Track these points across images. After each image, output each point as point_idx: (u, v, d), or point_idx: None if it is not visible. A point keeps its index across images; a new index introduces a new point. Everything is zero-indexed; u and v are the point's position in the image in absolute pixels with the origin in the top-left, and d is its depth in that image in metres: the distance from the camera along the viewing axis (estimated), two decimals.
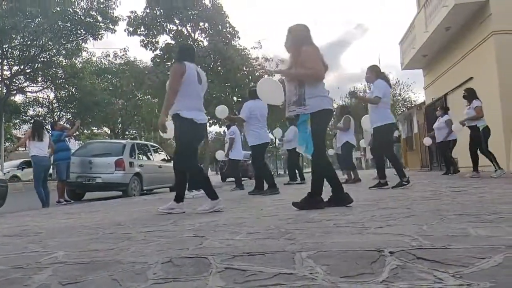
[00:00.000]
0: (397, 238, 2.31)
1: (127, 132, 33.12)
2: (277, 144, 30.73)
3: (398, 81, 53.21)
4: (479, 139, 9.12)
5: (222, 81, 21.40)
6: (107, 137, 33.22)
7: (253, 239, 2.55)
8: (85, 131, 28.72)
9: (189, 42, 20.31)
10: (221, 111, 9.19)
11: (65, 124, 13.45)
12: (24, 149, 9.59)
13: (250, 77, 22.26)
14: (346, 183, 9.25)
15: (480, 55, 13.41)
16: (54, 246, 2.72)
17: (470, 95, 9.41)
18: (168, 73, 19.34)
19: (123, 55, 30.11)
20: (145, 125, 29.74)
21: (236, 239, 2.61)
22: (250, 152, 9.76)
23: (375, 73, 7.14)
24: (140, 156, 12.14)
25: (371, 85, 7.38)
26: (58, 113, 25.38)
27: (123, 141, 12.16)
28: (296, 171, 12.07)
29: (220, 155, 10.75)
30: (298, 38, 4.35)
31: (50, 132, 10.59)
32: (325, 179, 4.31)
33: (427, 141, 13.70)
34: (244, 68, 22.46)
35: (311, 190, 4.29)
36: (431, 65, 18.79)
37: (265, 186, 7.54)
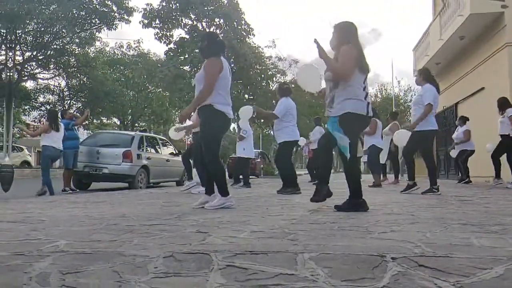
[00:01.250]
0: (400, 244, 2.31)
1: (136, 124, 33.19)
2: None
3: (410, 87, 53.07)
4: (509, 148, 9.09)
5: (235, 78, 21.45)
6: (116, 128, 33.41)
7: (256, 238, 2.56)
8: (95, 120, 28.86)
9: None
10: (246, 112, 8.95)
11: (75, 113, 13.52)
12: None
13: (262, 75, 22.25)
14: (374, 186, 9.24)
15: (492, 65, 13.31)
16: (56, 235, 2.74)
17: (503, 104, 9.40)
18: (181, 67, 19.35)
19: (136, 46, 30.24)
20: (155, 118, 29.80)
21: (239, 237, 2.62)
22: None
23: (424, 76, 7.03)
24: (148, 148, 12.18)
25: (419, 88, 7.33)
26: (69, 101, 25.53)
27: (132, 133, 12.21)
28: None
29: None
30: (342, 36, 4.33)
31: (60, 120, 10.65)
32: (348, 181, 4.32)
33: (454, 153, 13.63)
34: (257, 66, 22.44)
35: (350, 192, 4.27)
36: (443, 73, 18.66)
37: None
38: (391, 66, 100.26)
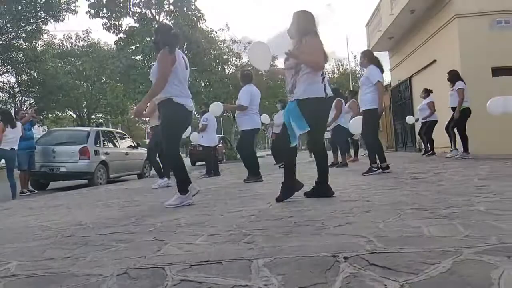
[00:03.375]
0: (353, 240, 2.35)
1: (93, 116, 32.43)
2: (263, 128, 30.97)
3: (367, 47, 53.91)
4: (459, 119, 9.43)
5: (189, 65, 21.04)
6: (73, 122, 32.52)
7: (212, 243, 2.55)
8: (50, 115, 27.94)
9: (153, 25, 19.78)
10: (215, 109, 8.98)
11: (27, 110, 13.00)
12: None
13: (217, 61, 22.02)
14: (332, 166, 9.32)
15: (443, 38, 13.64)
16: (9, 255, 2.64)
17: (454, 77, 9.65)
18: (133, 57, 18.92)
19: (85, 37, 29.29)
20: (111, 109, 29.15)
21: (195, 243, 2.60)
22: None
23: (368, 58, 7.19)
24: (106, 143, 11.92)
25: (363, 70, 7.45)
26: (20, 98, 24.57)
27: (87, 129, 11.89)
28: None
29: (194, 137, 10.58)
30: (303, 26, 4.35)
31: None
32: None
33: (410, 119, 13.92)
34: (212, 51, 22.17)
35: (318, 178, 4.40)
36: (396, 47, 19.00)
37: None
38: (346, 42, 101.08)
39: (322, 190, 4.38)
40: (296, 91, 4.26)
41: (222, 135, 26.23)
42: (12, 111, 24.78)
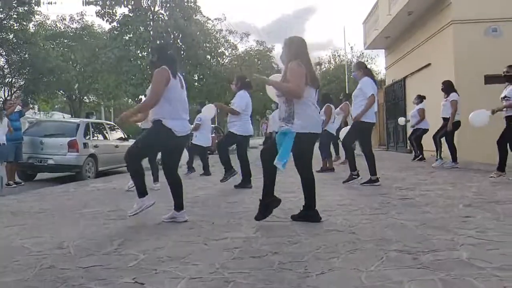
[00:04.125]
0: None
1: (85, 98, 32.10)
2: None
3: (363, 53, 53.63)
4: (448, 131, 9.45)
5: (183, 58, 20.88)
6: (64, 104, 32.25)
7: None
8: (41, 97, 27.58)
9: (148, 14, 19.50)
10: (208, 110, 9.04)
11: (13, 99, 12.76)
12: None
13: (212, 54, 21.78)
14: (321, 171, 9.35)
15: (438, 42, 13.60)
16: None
17: (448, 88, 9.66)
18: (126, 47, 18.70)
19: (80, 19, 28.80)
20: (103, 93, 28.81)
21: None
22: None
23: (362, 70, 7.25)
24: (95, 135, 11.81)
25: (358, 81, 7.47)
26: (10, 79, 24.20)
27: (77, 120, 11.78)
28: None
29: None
30: (293, 52, 4.39)
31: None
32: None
33: (401, 120, 13.92)
34: (206, 44, 21.93)
35: (305, 203, 4.45)
36: (393, 46, 18.96)
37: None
38: (343, 31, 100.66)
39: (309, 214, 4.40)
40: (295, 122, 4.25)
41: (216, 125, 26.13)
42: (1, 94, 24.57)
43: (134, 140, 6.91)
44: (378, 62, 77.22)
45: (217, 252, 3.38)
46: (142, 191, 4.65)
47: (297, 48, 4.42)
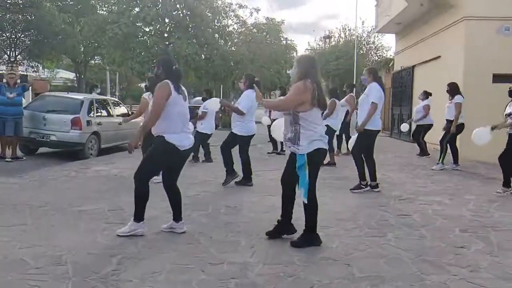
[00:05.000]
0: None
1: (92, 62, 31.80)
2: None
3: (374, 28, 52.79)
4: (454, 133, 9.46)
5: (190, 37, 20.51)
6: (70, 69, 31.83)
7: None
8: (45, 62, 27.31)
9: None
10: (212, 104, 9.04)
11: (11, 72, 12.55)
12: None
13: (220, 33, 21.38)
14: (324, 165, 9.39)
15: (449, 36, 13.41)
16: None
17: (453, 90, 9.58)
18: (133, 24, 18.28)
19: None
20: (107, 56, 28.37)
21: None
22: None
23: (372, 76, 7.22)
24: (99, 111, 11.78)
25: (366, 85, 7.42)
26: (15, 39, 23.86)
27: (81, 97, 11.71)
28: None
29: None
30: (301, 70, 4.40)
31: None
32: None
33: (405, 127, 13.89)
34: (215, 23, 21.49)
35: (306, 227, 4.44)
36: (404, 32, 18.66)
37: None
38: (355, 7, 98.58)
39: (309, 238, 4.42)
40: (301, 144, 4.29)
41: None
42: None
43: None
44: (388, 39, 75.84)
45: (213, 285, 3.44)
46: (140, 216, 4.62)
47: (306, 67, 4.41)
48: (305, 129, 4.30)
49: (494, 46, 12.01)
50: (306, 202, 4.33)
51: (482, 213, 5.93)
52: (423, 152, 12.01)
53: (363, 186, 7.16)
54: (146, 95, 7.80)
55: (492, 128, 7.15)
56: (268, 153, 12.11)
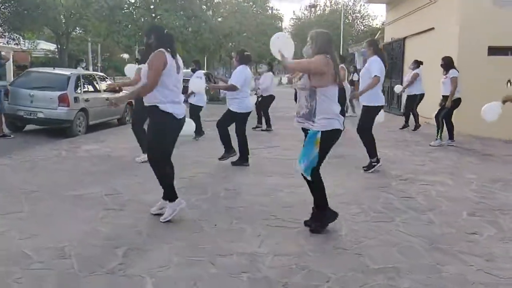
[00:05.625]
0: None
1: (73, 34, 30.80)
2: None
3: None
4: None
5: (178, 9, 19.85)
6: (51, 40, 30.82)
7: None
8: (25, 34, 26.35)
9: None
10: (197, 87, 8.64)
11: None
12: None
13: (207, 4, 20.80)
14: None
15: (443, 8, 13.16)
16: None
17: (448, 64, 9.43)
18: None
19: None
20: (92, 29, 27.50)
21: None
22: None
23: (373, 49, 7.01)
24: (86, 87, 11.41)
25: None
26: None
27: (68, 73, 11.29)
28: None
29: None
30: (319, 46, 4.25)
31: None
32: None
33: (398, 88, 13.67)
34: None
35: (317, 206, 4.36)
36: (394, 2, 18.31)
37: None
38: None
39: (324, 217, 4.35)
40: (316, 121, 4.16)
41: (207, 71, 25.51)
42: None
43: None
44: (375, 8, 75.19)
45: (225, 280, 3.31)
46: (172, 196, 4.52)
47: (323, 44, 4.27)
48: (321, 105, 4.15)
49: (491, 18, 11.79)
50: (309, 179, 4.22)
51: (486, 193, 5.87)
52: (416, 123, 11.91)
53: (374, 164, 7.01)
54: (142, 66, 7.39)
55: (504, 102, 7.00)
56: (253, 128, 11.65)
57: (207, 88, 8.41)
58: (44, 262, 3.51)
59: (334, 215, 4.38)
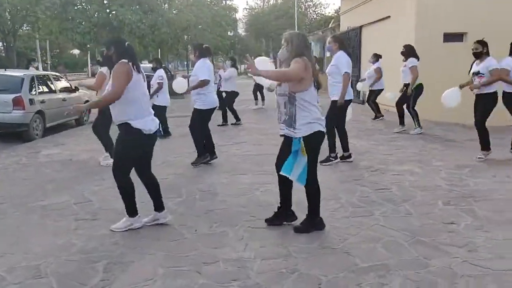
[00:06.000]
0: None
1: (20, 31, 29.34)
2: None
3: None
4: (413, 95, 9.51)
5: (133, 4, 19.23)
6: None
7: None
8: None
9: None
10: (179, 88, 8.37)
11: None
12: None
13: None
14: None
15: None
16: None
17: (408, 52, 9.52)
18: None
19: None
20: (42, 25, 26.20)
21: None
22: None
23: (338, 44, 6.91)
24: (41, 88, 10.92)
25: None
26: None
27: (21, 74, 10.76)
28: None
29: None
30: (295, 47, 4.12)
31: None
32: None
33: (361, 86, 13.77)
34: None
35: (309, 211, 4.30)
36: None
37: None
38: None
39: (313, 223, 4.30)
40: (297, 127, 4.08)
41: (164, 65, 24.93)
42: None
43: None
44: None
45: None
46: (131, 211, 4.36)
47: (300, 46, 4.15)
48: (301, 110, 4.07)
49: (446, 5, 12.04)
50: (304, 186, 4.17)
51: (456, 181, 5.99)
52: (377, 114, 12.09)
53: (332, 159, 7.08)
54: (104, 69, 7.07)
55: (461, 87, 7.17)
56: (219, 125, 11.48)
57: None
58: (20, 283, 3.31)
59: (321, 225, 4.33)
